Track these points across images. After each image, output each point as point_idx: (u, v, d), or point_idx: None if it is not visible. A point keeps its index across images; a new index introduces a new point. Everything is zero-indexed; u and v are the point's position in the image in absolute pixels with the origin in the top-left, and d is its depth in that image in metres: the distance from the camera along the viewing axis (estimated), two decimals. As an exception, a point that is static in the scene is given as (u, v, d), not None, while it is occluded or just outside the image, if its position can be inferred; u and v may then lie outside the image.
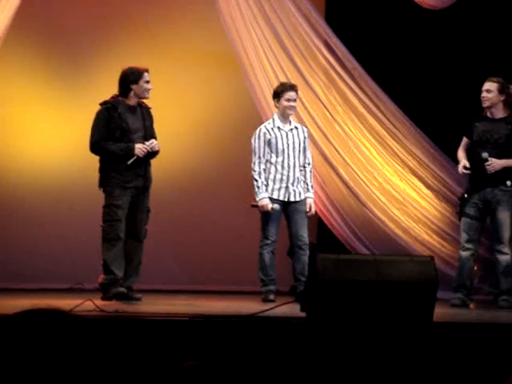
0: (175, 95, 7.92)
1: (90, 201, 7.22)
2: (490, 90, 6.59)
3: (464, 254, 6.59)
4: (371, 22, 8.03)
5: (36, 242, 7.73)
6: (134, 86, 6.24)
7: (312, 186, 6.78)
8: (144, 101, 6.38)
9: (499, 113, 6.63)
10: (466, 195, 6.64)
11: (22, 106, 7.85)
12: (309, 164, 6.78)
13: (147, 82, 6.27)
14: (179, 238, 7.98)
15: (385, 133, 7.62)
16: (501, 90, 6.57)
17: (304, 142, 6.75)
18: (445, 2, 7.28)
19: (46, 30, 7.86)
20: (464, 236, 6.60)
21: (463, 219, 6.62)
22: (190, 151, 8.07)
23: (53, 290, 7.08)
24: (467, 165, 6.62)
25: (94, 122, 6.32)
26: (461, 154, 6.78)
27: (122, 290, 6.07)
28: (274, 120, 6.73)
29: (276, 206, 6.60)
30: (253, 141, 6.74)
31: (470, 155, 6.69)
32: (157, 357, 4.14)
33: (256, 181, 6.66)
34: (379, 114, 7.61)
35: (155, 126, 6.47)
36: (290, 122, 6.77)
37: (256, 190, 6.65)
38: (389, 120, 7.62)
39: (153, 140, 6.28)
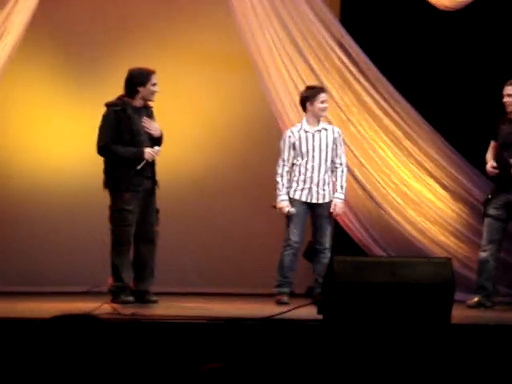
0: (186, 97, 7.90)
1: (105, 202, 7.23)
2: (510, 94, 6.57)
3: (483, 254, 6.55)
4: (386, 23, 8.01)
5: (52, 245, 7.74)
6: (141, 89, 6.17)
7: (342, 187, 6.71)
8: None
9: None
10: (489, 196, 6.61)
11: (30, 109, 7.86)
12: (341, 164, 6.74)
13: (154, 84, 6.19)
14: (195, 240, 7.98)
15: (400, 134, 7.60)
16: None
17: (334, 143, 6.71)
18: (460, 2, 7.24)
19: (55, 32, 7.85)
20: (484, 236, 6.58)
21: (485, 220, 6.60)
22: (205, 154, 8.05)
23: (70, 293, 7.09)
24: (494, 164, 6.60)
25: (101, 123, 6.22)
26: (489, 155, 6.76)
27: (131, 299, 6.05)
28: (302, 123, 6.75)
29: (293, 210, 6.58)
30: (280, 143, 6.76)
31: (497, 157, 6.67)
32: (173, 360, 4.14)
33: (277, 183, 6.68)
34: (394, 115, 7.59)
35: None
36: (319, 123, 6.73)
37: (277, 191, 6.66)
38: (404, 121, 7.60)
39: (159, 148, 6.25)
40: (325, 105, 6.71)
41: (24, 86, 7.84)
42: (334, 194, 6.69)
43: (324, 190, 6.64)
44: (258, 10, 7.26)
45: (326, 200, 6.64)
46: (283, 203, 6.59)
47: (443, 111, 7.82)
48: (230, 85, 8.07)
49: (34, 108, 7.87)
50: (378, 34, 7.93)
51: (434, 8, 7.33)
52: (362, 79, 7.53)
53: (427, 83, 7.97)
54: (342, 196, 6.70)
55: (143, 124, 6.17)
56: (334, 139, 6.71)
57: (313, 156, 6.65)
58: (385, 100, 7.57)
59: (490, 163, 6.63)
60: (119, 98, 6.21)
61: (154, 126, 6.21)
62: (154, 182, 6.27)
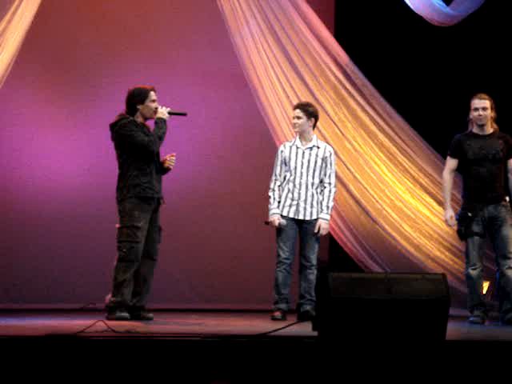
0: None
1: (101, 220, 7.25)
2: (486, 107, 6.57)
3: (475, 272, 6.53)
4: (381, 39, 8.06)
5: (46, 262, 7.75)
6: (140, 106, 6.23)
7: (328, 207, 6.64)
8: None
9: (489, 128, 6.63)
10: (470, 214, 6.54)
11: (34, 126, 7.89)
12: (329, 184, 6.67)
13: (153, 101, 6.25)
14: (190, 257, 7.99)
15: (395, 149, 7.63)
16: (492, 107, 6.59)
17: (324, 161, 6.67)
18: (454, 18, 7.29)
19: (52, 50, 7.91)
20: (475, 254, 6.53)
21: (471, 238, 6.53)
22: (199, 170, 8.09)
23: (65, 310, 7.09)
24: (454, 217, 6.57)
25: (124, 131, 6.14)
26: (447, 190, 6.66)
27: (126, 315, 6.05)
28: (295, 139, 6.74)
29: (283, 221, 6.59)
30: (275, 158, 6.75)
31: (466, 174, 6.63)
32: (168, 377, 4.14)
33: (269, 197, 6.68)
34: (389, 131, 7.62)
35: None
36: (312, 140, 6.71)
37: (269, 205, 6.67)
38: (399, 137, 7.63)
39: (173, 157, 6.31)
40: (293, 121, 6.67)
41: (21, 103, 7.86)
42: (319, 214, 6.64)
43: (312, 207, 6.62)
44: (253, 27, 7.31)
45: (314, 217, 6.63)
46: (274, 216, 6.61)
47: (438, 127, 7.85)
48: (225, 101, 8.11)
49: (32, 123, 7.89)
50: (372, 50, 7.99)
51: (428, 24, 7.38)
52: (356, 95, 7.56)
53: (422, 99, 8.01)
54: (328, 216, 6.66)
55: (169, 162, 6.21)
56: (325, 158, 6.68)
57: (301, 173, 6.65)
58: (380, 116, 7.61)
59: (450, 214, 6.57)
60: (120, 115, 6.25)
61: (173, 162, 6.30)
62: (160, 199, 6.28)
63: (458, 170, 6.71)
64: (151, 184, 6.18)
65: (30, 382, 4.03)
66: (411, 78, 8.03)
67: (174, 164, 6.32)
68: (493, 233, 6.56)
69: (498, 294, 6.63)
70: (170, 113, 6.29)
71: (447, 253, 7.54)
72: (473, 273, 6.53)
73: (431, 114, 7.97)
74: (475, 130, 6.66)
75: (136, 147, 6.15)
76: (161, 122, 6.24)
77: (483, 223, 6.53)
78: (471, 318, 6.49)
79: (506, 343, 4.79)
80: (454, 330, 5.03)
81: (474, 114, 6.62)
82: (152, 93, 6.25)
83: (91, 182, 7.82)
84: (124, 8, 8.06)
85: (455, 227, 6.65)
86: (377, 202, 7.60)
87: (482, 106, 6.58)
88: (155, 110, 6.26)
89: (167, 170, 6.35)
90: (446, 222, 6.70)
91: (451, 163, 6.68)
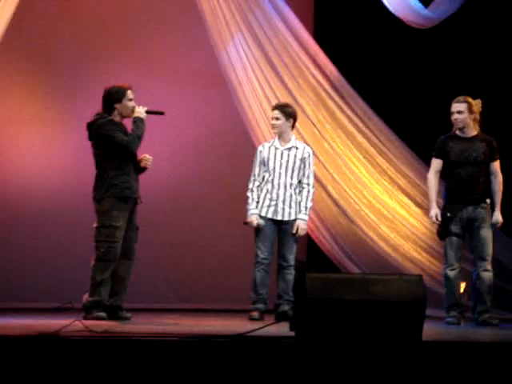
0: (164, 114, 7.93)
1: (80, 220, 7.21)
2: (461, 111, 6.61)
3: (453, 273, 6.57)
4: (360, 41, 8.09)
5: (23, 261, 7.71)
6: (117, 105, 6.20)
7: (306, 208, 6.65)
8: None
9: (471, 131, 6.67)
10: (449, 214, 6.58)
11: (11, 125, 7.85)
12: (308, 185, 6.68)
13: (131, 100, 6.22)
14: (168, 256, 7.99)
15: (374, 150, 7.66)
16: (470, 109, 6.62)
17: (302, 162, 6.68)
18: (433, 21, 7.33)
19: (31, 49, 7.87)
20: (452, 254, 6.57)
21: (449, 238, 6.57)
22: (177, 169, 8.08)
23: (43, 309, 7.06)
24: (439, 216, 6.58)
25: (103, 131, 6.12)
26: (433, 190, 6.65)
27: (103, 315, 6.04)
28: (274, 139, 6.74)
29: (262, 222, 6.60)
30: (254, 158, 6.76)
31: (448, 175, 6.67)
32: (145, 377, 4.13)
33: (248, 197, 6.69)
34: (368, 132, 7.65)
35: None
36: (291, 141, 6.72)
37: (247, 205, 6.67)
38: (377, 138, 7.66)
39: (150, 157, 6.29)
40: (272, 122, 6.68)
41: (4, 104, 7.82)
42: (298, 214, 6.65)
43: (290, 207, 6.64)
44: (233, 27, 7.32)
45: (292, 218, 6.64)
46: (253, 216, 6.62)
47: (417, 129, 7.89)
48: (204, 101, 8.11)
49: (9, 123, 7.85)
50: (351, 51, 8.01)
51: (406, 26, 7.41)
52: (335, 96, 7.59)
53: (401, 100, 8.05)
54: (306, 217, 6.67)
55: (146, 161, 6.21)
56: (303, 159, 6.69)
57: (280, 173, 6.66)
58: (358, 117, 7.64)
59: (435, 212, 6.57)
60: (98, 115, 6.22)
61: (150, 162, 6.28)
62: (137, 199, 6.27)
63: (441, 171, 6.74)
64: (129, 184, 6.17)
65: (5, 382, 4.01)
66: (390, 80, 8.07)
67: (151, 164, 6.30)
68: (471, 234, 6.60)
69: (472, 295, 6.67)
70: (147, 112, 6.27)
71: (424, 253, 7.59)
72: (450, 273, 6.57)
73: (410, 115, 8.01)
74: (458, 132, 6.70)
75: (115, 147, 6.13)
76: (139, 122, 6.22)
77: (462, 224, 6.56)
78: (448, 319, 6.53)
79: (480, 344, 4.83)
80: (430, 330, 5.06)
81: (451, 118, 6.68)
82: (129, 92, 6.21)
83: (68, 181, 7.79)
84: (103, 7, 8.04)
85: (437, 225, 6.66)
86: (355, 202, 7.63)
87: (456, 110, 6.62)
88: (132, 109, 6.23)
89: (144, 169, 6.33)
90: (431, 218, 6.69)
91: (436, 164, 6.70)
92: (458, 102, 6.64)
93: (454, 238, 6.56)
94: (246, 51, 7.39)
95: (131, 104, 6.22)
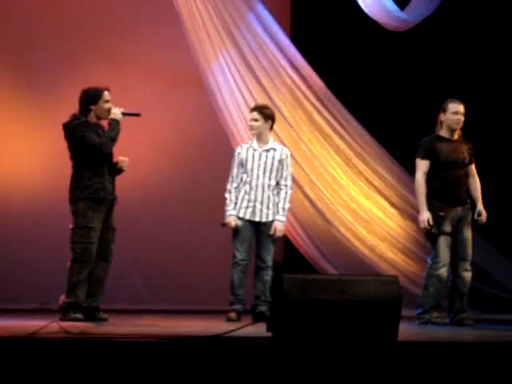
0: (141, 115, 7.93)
1: (58, 220, 7.19)
2: (464, 113, 6.61)
3: (446, 273, 6.50)
4: (337, 43, 8.13)
5: (3, 261, 7.67)
6: (93, 107, 6.19)
7: (284, 209, 6.67)
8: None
9: (458, 133, 6.70)
10: (442, 213, 6.53)
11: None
12: (285, 186, 6.69)
13: (107, 101, 6.21)
14: (145, 257, 7.98)
15: (350, 152, 7.71)
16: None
17: (280, 164, 6.69)
18: (408, 23, 7.38)
19: (10, 49, 7.84)
20: (446, 254, 6.50)
21: (443, 237, 6.51)
22: (155, 171, 8.07)
23: (19, 310, 7.03)
24: (431, 220, 6.48)
25: (76, 132, 6.11)
26: (422, 192, 6.54)
27: (80, 316, 6.03)
28: (252, 141, 6.76)
29: (239, 222, 6.62)
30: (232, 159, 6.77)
31: (434, 176, 6.63)
32: (122, 379, 4.14)
33: (225, 199, 6.70)
34: (344, 134, 7.70)
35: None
36: (269, 142, 6.74)
37: (225, 206, 6.69)
38: (354, 139, 7.71)
39: (126, 158, 6.28)
40: (250, 123, 6.69)
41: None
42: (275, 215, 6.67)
43: (268, 208, 6.66)
44: (210, 29, 7.33)
45: (270, 219, 6.66)
46: (231, 218, 6.64)
47: (393, 130, 7.95)
48: (182, 103, 8.11)
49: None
50: (328, 53, 8.05)
51: (382, 29, 7.46)
52: (312, 98, 7.63)
53: (377, 102, 8.10)
54: (283, 218, 6.68)
55: (121, 163, 6.22)
56: (281, 160, 6.70)
57: (257, 175, 6.68)
58: (335, 119, 7.68)
59: (427, 216, 6.46)
60: (73, 116, 6.21)
61: (126, 163, 6.26)
62: (114, 200, 6.26)
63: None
64: (103, 185, 6.16)
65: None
66: (366, 81, 8.11)
67: (126, 165, 6.30)
68: (455, 234, 6.60)
69: (448, 294, 6.70)
70: (123, 113, 6.26)
71: (400, 254, 7.64)
72: (444, 274, 6.49)
73: (386, 117, 8.06)
74: (444, 133, 6.65)
75: (88, 148, 6.12)
76: (114, 123, 6.21)
77: (452, 224, 6.58)
78: (435, 320, 6.50)
79: (457, 344, 4.88)
80: (405, 330, 5.10)
81: (452, 118, 6.58)
82: (106, 93, 6.20)
83: (46, 182, 7.76)
84: (80, 8, 8.01)
85: (427, 227, 6.53)
86: (331, 203, 7.67)
87: (462, 112, 6.59)
88: (108, 111, 6.22)
89: (120, 171, 6.33)
90: (422, 223, 6.55)
91: (424, 165, 6.59)
92: (459, 103, 6.59)
93: (448, 238, 6.52)
94: (223, 53, 7.40)
95: (107, 106, 6.20)
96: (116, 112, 6.21)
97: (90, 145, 6.11)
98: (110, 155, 6.26)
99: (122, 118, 6.26)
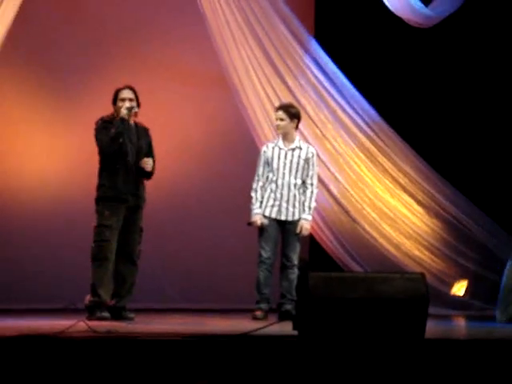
0: (166, 115, 7.95)
1: (83, 220, 7.22)
2: None
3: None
4: (361, 40, 8.11)
5: (30, 263, 7.72)
6: (114, 106, 6.31)
7: (310, 208, 6.67)
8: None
9: None
10: None
11: (15, 126, 7.87)
12: (311, 185, 6.69)
13: (122, 99, 6.26)
14: (173, 257, 8.00)
15: (375, 150, 7.68)
16: None
17: (306, 162, 6.69)
18: (433, 20, 7.34)
19: (33, 52, 7.88)
20: None
21: None
22: (180, 171, 8.09)
23: (47, 310, 7.08)
24: None
25: (96, 132, 6.28)
26: None
27: (106, 315, 6.08)
28: (278, 139, 6.76)
29: (265, 221, 6.62)
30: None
31: None
32: (149, 377, 4.15)
33: (251, 197, 6.71)
34: (369, 131, 7.67)
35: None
36: (294, 141, 6.73)
37: (251, 205, 6.69)
38: (379, 137, 7.68)
39: (149, 159, 6.31)
40: (276, 122, 6.69)
41: (3, 105, 7.83)
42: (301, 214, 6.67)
43: (294, 207, 6.65)
44: (234, 28, 7.33)
45: (296, 218, 6.66)
46: (256, 217, 6.64)
47: (418, 127, 7.91)
48: (207, 101, 8.12)
49: (19, 127, 7.87)
50: (352, 50, 8.03)
51: (407, 25, 7.42)
52: (337, 96, 7.61)
53: (402, 99, 8.06)
54: (309, 217, 6.68)
55: (145, 164, 6.29)
56: (307, 159, 6.70)
57: (283, 173, 6.68)
58: (360, 116, 7.66)
59: None
60: (102, 117, 6.35)
61: (149, 164, 6.30)
62: (139, 200, 6.30)
63: None
64: (115, 184, 6.20)
65: (10, 382, 4.03)
66: (391, 78, 8.08)
67: (150, 165, 6.31)
68: None
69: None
70: (127, 108, 6.26)
71: (426, 252, 7.60)
72: None
73: (411, 113, 8.02)
74: None
75: (99, 149, 6.28)
76: (116, 123, 6.23)
77: None
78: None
79: (486, 341, 4.84)
80: (432, 328, 5.08)
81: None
82: (121, 92, 6.26)
83: (76, 183, 7.78)
84: (107, 9, 8.05)
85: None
86: (357, 201, 7.65)
87: None
88: (126, 109, 6.26)
89: (146, 172, 6.34)
90: None
91: None
92: None
93: None
94: (247, 52, 7.40)
95: (120, 104, 6.27)
96: (123, 110, 6.25)
97: (98, 145, 6.26)
98: (125, 154, 6.24)
99: (129, 115, 6.24)
